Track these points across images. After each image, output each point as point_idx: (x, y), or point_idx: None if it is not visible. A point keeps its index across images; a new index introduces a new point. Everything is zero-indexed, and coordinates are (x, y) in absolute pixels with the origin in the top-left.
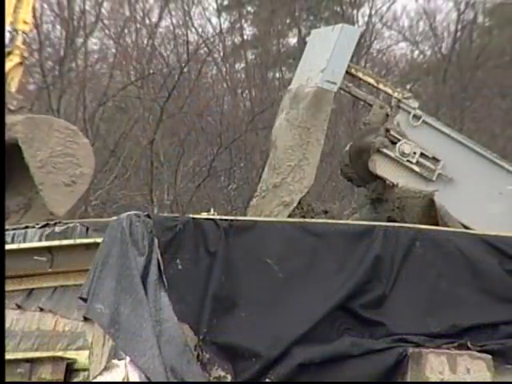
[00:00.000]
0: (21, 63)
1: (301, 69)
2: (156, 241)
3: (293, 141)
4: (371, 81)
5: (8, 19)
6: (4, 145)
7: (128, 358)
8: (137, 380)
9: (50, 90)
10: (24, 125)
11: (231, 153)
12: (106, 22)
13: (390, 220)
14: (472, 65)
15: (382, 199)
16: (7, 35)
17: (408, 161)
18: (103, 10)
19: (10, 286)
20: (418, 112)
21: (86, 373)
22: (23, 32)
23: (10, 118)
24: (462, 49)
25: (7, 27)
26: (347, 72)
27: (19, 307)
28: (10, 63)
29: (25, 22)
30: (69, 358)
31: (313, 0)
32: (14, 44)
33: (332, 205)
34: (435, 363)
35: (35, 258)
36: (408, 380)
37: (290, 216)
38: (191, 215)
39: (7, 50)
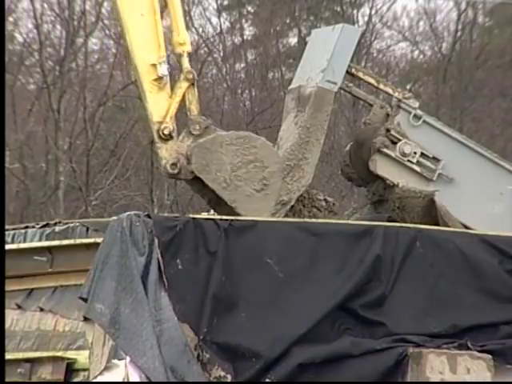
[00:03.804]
0: (192, 84)
1: (301, 69)
2: (156, 241)
3: (293, 140)
4: (371, 81)
5: (157, 54)
6: (4, 145)
7: (128, 358)
8: (137, 380)
9: (50, 90)
10: (194, 154)
11: None
12: (106, 22)
13: (390, 220)
14: (472, 65)
15: (383, 200)
16: (163, 67)
17: (408, 161)
18: (103, 10)
19: (10, 286)
20: (419, 112)
21: (85, 373)
22: (186, 52)
23: (185, 148)
24: (462, 49)
25: (159, 59)
26: (348, 72)
27: (19, 307)
28: (180, 90)
29: (181, 44)
30: (69, 358)
31: (313, 0)
32: (181, 70)
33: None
34: (435, 363)
35: (35, 257)
36: (408, 380)
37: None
38: (191, 215)
39: (165, 81)
